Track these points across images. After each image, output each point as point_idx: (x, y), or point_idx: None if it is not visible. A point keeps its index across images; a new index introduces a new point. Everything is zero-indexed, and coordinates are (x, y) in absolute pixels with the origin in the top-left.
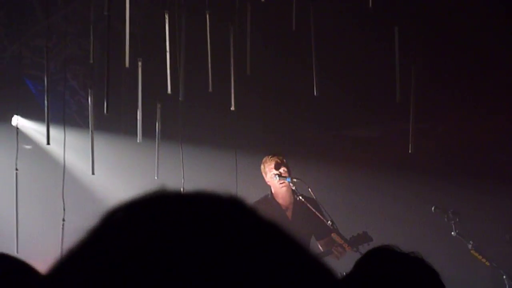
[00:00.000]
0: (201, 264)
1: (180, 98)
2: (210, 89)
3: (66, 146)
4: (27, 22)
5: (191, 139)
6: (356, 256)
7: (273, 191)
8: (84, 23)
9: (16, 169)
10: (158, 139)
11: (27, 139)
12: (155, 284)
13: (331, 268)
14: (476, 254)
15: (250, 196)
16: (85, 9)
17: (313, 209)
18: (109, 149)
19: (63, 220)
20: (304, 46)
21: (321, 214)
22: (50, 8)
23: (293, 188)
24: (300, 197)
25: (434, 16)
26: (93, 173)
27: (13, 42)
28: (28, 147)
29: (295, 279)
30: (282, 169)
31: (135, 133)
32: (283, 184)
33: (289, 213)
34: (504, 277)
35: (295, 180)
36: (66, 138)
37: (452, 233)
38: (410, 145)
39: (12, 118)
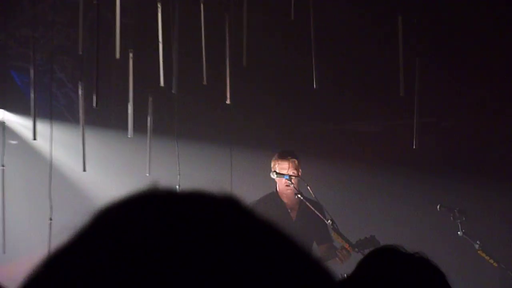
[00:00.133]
0: (193, 264)
1: (173, 91)
2: (205, 82)
3: (53, 141)
4: (12, 11)
5: (184, 134)
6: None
7: (278, 189)
8: (72, 12)
9: (2, 166)
10: (150, 134)
11: (12, 134)
12: (146, 284)
13: (329, 270)
14: (484, 255)
15: (245, 194)
16: None
17: (312, 208)
18: (98, 144)
19: (50, 219)
20: (303, 36)
21: (322, 215)
22: None
23: (290, 185)
24: (299, 195)
25: (440, 4)
26: (84, 170)
27: None
28: (13, 142)
29: (291, 280)
30: (291, 170)
31: (126, 128)
32: (285, 183)
33: (293, 214)
34: None
35: (293, 177)
36: (53, 133)
37: (459, 232)
38: (414, 140)
39: None
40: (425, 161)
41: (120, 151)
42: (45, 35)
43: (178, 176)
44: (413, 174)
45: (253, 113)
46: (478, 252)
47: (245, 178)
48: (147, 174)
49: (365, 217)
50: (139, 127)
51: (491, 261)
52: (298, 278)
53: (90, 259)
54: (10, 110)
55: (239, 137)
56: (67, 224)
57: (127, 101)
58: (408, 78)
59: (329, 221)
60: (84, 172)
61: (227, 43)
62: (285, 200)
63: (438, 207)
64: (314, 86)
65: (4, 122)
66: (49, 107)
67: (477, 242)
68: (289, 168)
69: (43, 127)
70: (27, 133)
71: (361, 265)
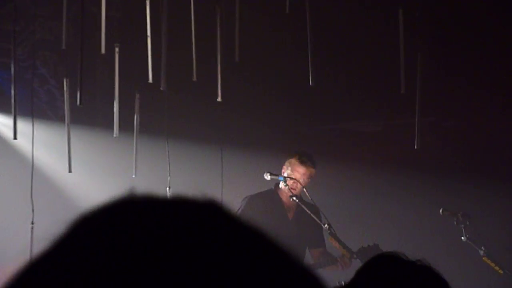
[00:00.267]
0: (173, 272)
1: (161, 88)
2: (195, 78)
3: (35, 141)
4: None
5: (172, 133)
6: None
7: (281, 186)
8: (55, 5)
9: None
10: (136, 133)
11: None
12: None
13: (320, 278)
14: (489, 262)
15: (237, 195)
16: None
17: (308, 211)
18: (83, 144)
19: (32, 223)
20: (299, 30)
21: (318, 218)
22: None
23: (284, 186)
24: (294, 198)
25: None
26: (70, 171)
27: None
28: None
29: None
30: (304, 178)
31: (111, 127)
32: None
33: (290, 214)
34: None
35: (288, 179)
36: (35, 132)
37: (462, 238)
38: (416, 140)
39: None
40: (427, 163)
41: (106, 151)
42: (26, 29)
43: (169, 177)
44: (414, 176)
45: (246, 111)
46: (483, 258)
47: (236, 179)
48: (133, 176)
49: (364, 221)
50: (127, 126)
51: (497, 268)
52: (284, 286)
53: (69, 269)
54: None
55: (230, 136)
56: (49, 228)
57: (112, 98)
58: (409, 75)
59: (325, 225)
60: (68, 174)
61: (218, 37)
62: (283, 198)
63: (440, 211)
64: (310, 83)
65: None
66: (31, 105)
67: (482, 248)
68: (303, 175)
69: (24, 125)
70: (7, 132)
71: (360, 273)
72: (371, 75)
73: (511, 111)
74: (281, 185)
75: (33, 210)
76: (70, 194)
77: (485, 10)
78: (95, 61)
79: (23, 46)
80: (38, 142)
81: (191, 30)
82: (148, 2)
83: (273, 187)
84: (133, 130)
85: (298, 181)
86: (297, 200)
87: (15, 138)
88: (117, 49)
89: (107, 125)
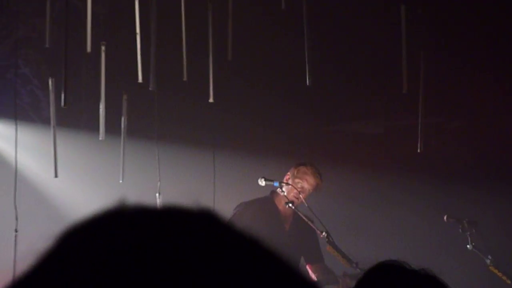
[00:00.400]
0: (165, 283)
1: (150, 88)
2: (185, 78)
3: (18, 144)
4: None
5: (162, 135)
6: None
7: (276, 194)
8: (38, 0)
9: None
10: (123, 135)
11: None
12: None
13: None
14: (496, 271)
15: (229, 200)
16: None
17: (305, 218)
18: (68, 148)
19: (16, 230)
20: (295, 27)
21: (315, 227)
22: None
23: (282, 193)
24: (290, 204)
25: None
26: (56, 176)
27: None
28: None
29: None
30: (310, 189)
31: (97, 129)
32: (295, 195)
33: (287, 224)
34: None
35: (283, 184)
36: (18, 135)
37: (468, 246)
38: (419, 143)
39: None
40: (431, 166)
41: (92, 155)
42: (8, 26)
43: (159, 183)
44: (417, 180)
45: (239, 113)
46: (490, 268)
47: (230, 184)
48: (120, 181)
49: (365, 228)
50: (114, 129)
51: (504, 277)
52: None
53: (57, 286)
54: None
55: (223, 138)
56: (34, 235)
57: (98, 99)
58: (412, 74)
59: (324, 233)
60: (53, 179)
61: (210, 35)
62: (280, 207)
63: (445, 218)
64: (307, 82)
65: None
66: (14, 106)
67: (489, 257)
68: (313, 186)
69: (6, 128)
70: None
71: (361, 282)
72: (372, 73)
73: None
74: (279, 191)
75: (16, 218)
76: (55, 200)
77: (492, 3)
78: (80, 60)
79: (4, 45)
80: (21, 146)
81: (182, 27)
82: None
83: (269, 195)
84: (118, 132)
85: (296, 188)
86: (293, 207)
87: None
88: (103, 47)
89: (93, 127)
